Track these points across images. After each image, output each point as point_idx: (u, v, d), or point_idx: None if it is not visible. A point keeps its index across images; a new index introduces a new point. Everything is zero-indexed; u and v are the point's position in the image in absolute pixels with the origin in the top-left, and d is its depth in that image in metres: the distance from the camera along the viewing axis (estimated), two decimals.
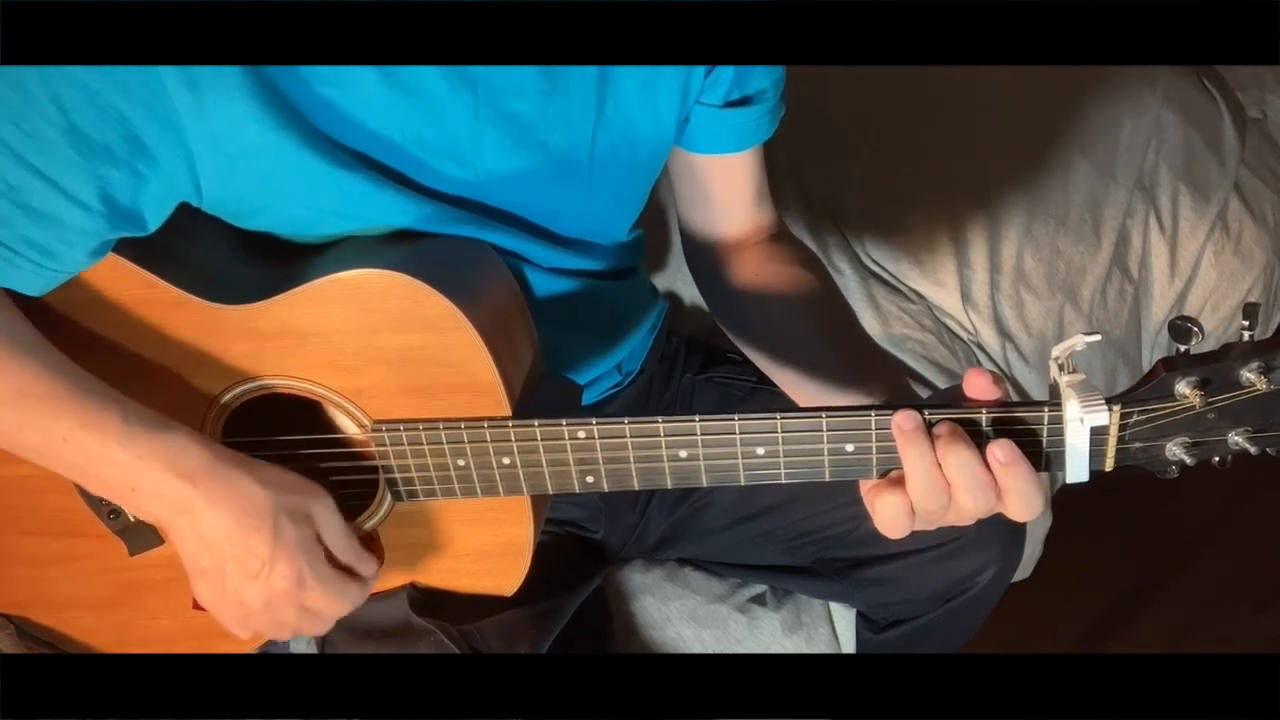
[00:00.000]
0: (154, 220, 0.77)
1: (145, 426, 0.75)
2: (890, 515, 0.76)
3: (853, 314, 1.00)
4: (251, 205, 0.80)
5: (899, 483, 0.75)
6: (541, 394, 0.87)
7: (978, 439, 0.75)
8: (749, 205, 1.01)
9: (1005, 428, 0.75)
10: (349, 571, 0.80)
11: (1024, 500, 0.74)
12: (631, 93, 0.87)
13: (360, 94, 0.76)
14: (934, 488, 0.74)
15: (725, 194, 1.00)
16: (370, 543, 0.87)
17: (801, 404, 0.91)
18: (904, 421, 0.74)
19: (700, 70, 0.90)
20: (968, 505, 0.74)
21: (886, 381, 0.85)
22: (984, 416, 0.75)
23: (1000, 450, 0.73)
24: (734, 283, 1.00)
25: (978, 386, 0.75)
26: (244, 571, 0.75)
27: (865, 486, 0.80)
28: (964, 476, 0.73)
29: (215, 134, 0.73)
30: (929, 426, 0.74)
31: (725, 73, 0.91)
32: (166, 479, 0.74)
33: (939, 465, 0.73)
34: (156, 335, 0.81)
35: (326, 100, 0.76)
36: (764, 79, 0.95)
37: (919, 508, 0.75)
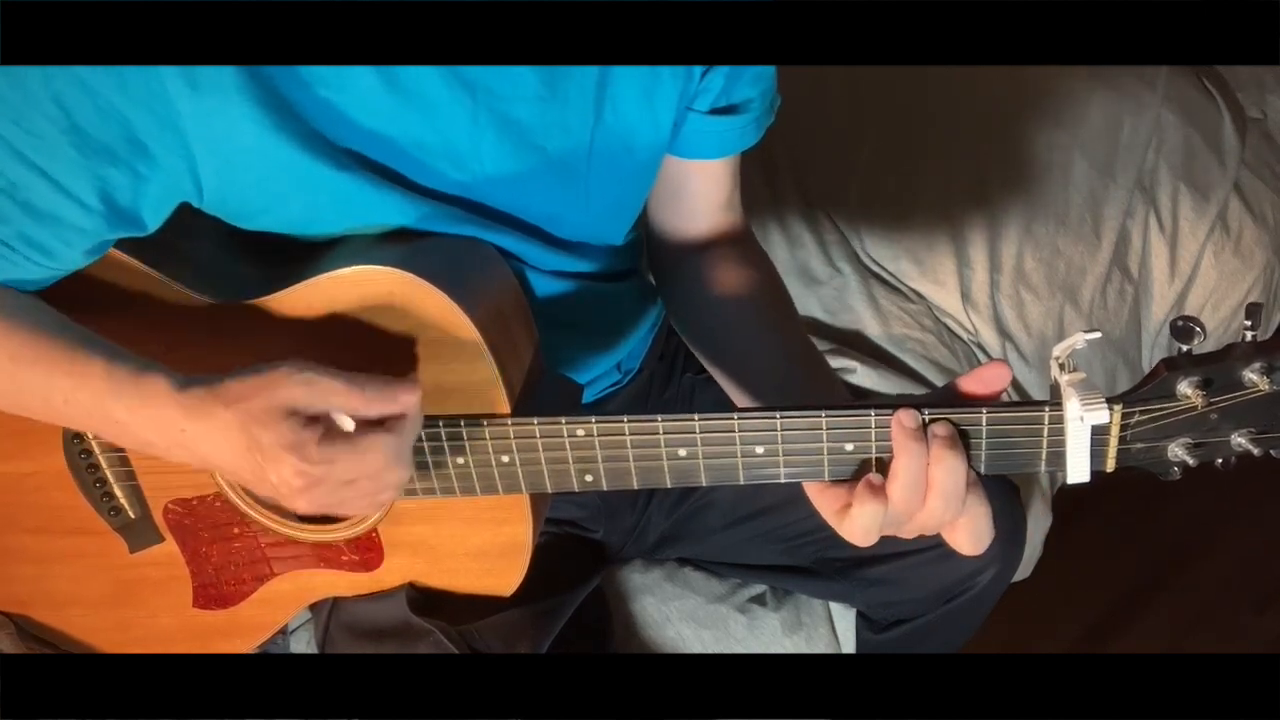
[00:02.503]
0: (153, 221, 0.77)
1: (129, 378, 0.74)
2: (868, 525, 0.75)
3: (798, 324, 1.01)
4: (252, 206, 0.79)
5: (879, 490, 0.74)
6: (541, 392, 0.87)
7: (976, 441, 0.75)
8: (717, 209, 1.02)
9: (1005, 427, 0.75)
10: (379, 421, 0.75)
11: (978, 527, 0.75)
12: (630, 99, 0.87)
13: (359, 96, 0.76)
14: (918, 489, 0.74)
15: (696, 196, 1.01)
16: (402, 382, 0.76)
17: (739, 403, 0.93)
18: (907, 420, 0.74)
19: (696, 75, 0.90)
20: (937, 511, 0.74)
21: (816, 388, 0.87)
22: (984, 416, 0.74)
23: (941, 427, 0.74)
24: (685, 281, 1.02)
25: (982, 382, 0.75)
26: (267, 487, 0.75)
27: (832, 504, 0.77)
28: (949, 483, 0.73)
29: (215, 135, 0.73)
30: (927, 426, 0.74)
31: (716, 79, 0.92)
32: (162, 429, 0.74)
33: (927, 466, 0.73)
34: (156, 331, 0.81)
35: (326, 102, 0.76)
36: (752, 88, 0.95)
37: (895, 509, 0.74)
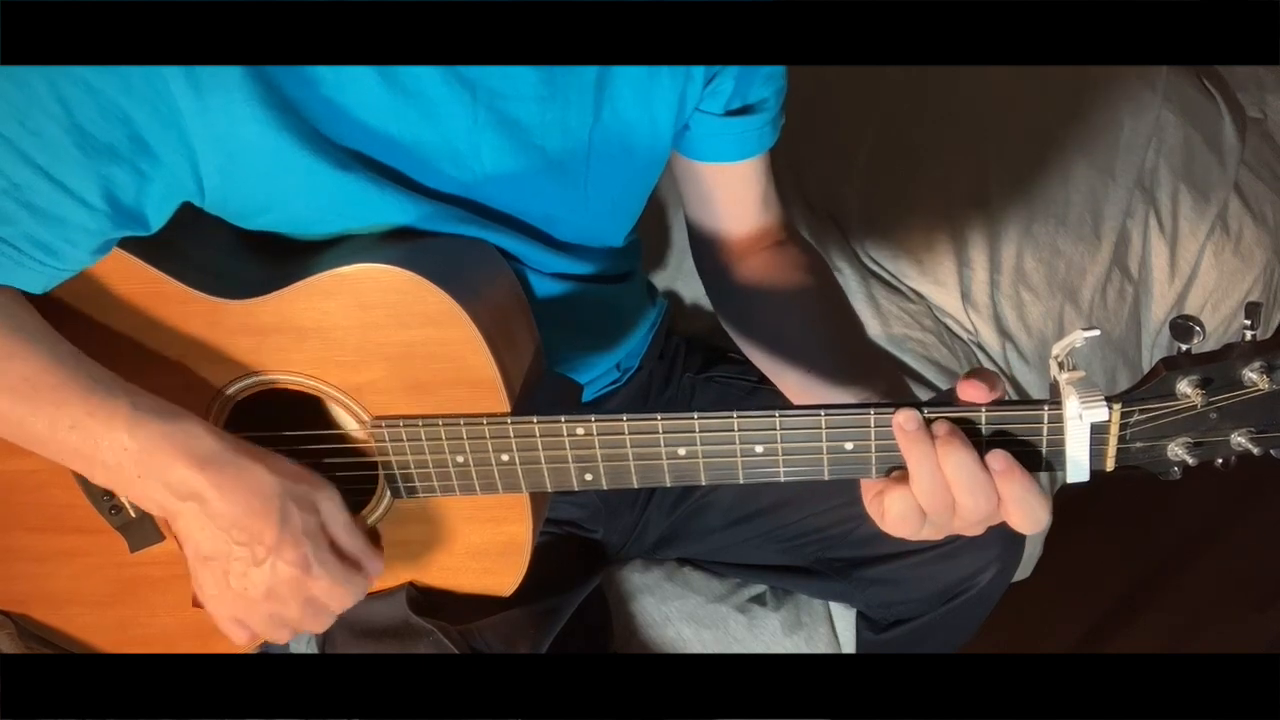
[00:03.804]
0: (157, 220, 0.77)
1: (154, 414, 0.75)
2: (901, 513, 0.75)
3: (856, 320, 1.01)
4: (253, 205, 0.80)
5: (905, 481, 0.75)
6: (541, 392, 0.87)
7: (977, 439, 0.75)
8: (754, 210, 1.02)
9: (1005, 426, 0.75)
10: (354, 564, 0.80)
11: (1025, 509, 0.74)
12: (628, 99, 0.87)
13: (360, 95, 0.76)
14: (938, 488, 0.74)
15: (730, 200, 1.01)
16: (374, 539, 0.86)
17: (799, 403, 0.91)
18: (905, 421, 0.74)
19: (699, 78, 0.90)
20: (968, 505, 0.73)
21: (885, 389, 0.85)
22: (983, 415, 0.75)
23: (995, 460, 0.73)
24: (740, 286, 1.01)
25: (970, 395, 0.75)
26: (250, 558, 0.75)
27: (869, 491, 0.79)
28: (962, 477, 0.73)
29: (217, 134, 0.73)
30: (928, 425, 0.74)
31: (726, 81, 0.92)
32: (174, 466, 0.74)
33: (939, 464, 0.73)
34: (159, 330, 0.81)
35: (327, 101, 0.76)
36: (765, 88, 0.95)
37: (926, 508, 0.75)
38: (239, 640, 0.81)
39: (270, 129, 0.74)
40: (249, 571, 0.76)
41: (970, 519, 0.75)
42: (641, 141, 0.90)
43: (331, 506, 0.78)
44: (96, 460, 0.76)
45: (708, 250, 1.05)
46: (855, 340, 0.96)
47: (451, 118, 0.80)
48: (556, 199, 0.90)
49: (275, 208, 0.80)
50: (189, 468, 0.74)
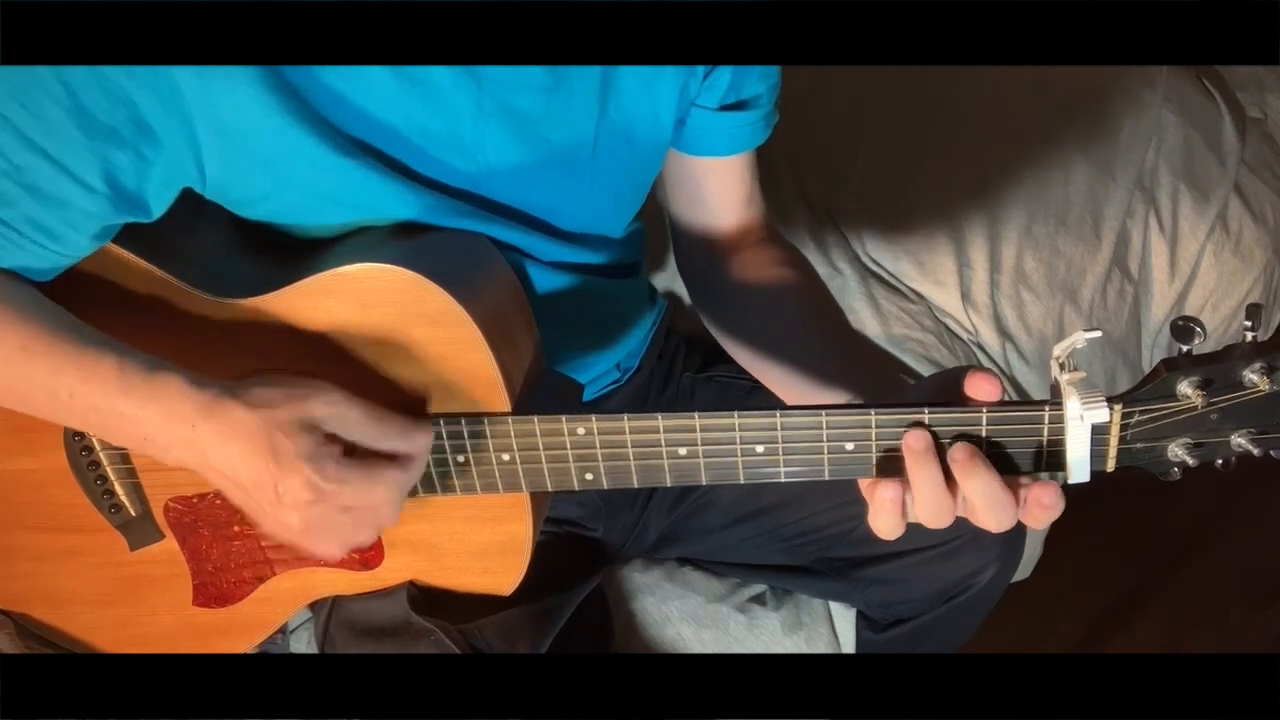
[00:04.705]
0: (158, 205, 0.77)
1: (140, 373, 0.74)
2: (888, 527, 0.76)
3: (840, 313, 1.01)
4: (254, 192, 0.79)
5: (896, 504, 0.75)
6: (542, 391, 0.87)
7: (977, 440, 0.75)
8: (739, 207, 1.02)
9: (1005, 426, 0.75)
10: (384, 457, 0.76)
11: (987, 502, 0.73)
12: (633, 92, 0.87)
13: (366, 83, 0.76)
14: (943, 508, 0.74)
15: (716, 195, 1.01)
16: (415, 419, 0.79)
17: (790, 403, 0.91)
18: (914, 442, 0.74)
19: (699, 72, 0.90)
20: (991, 524, 0.74)
21: (876, 378, 0.85)
22: (984, 416, 0.74)
23: (959, 451, 0.73)
24: (723, 283, 1.01)
25: (981, 390, 0.74)
26: (266, 499, 0.74)
27: (865, 483, 0.79)
28: (988, 499, 0.73)
29: (220, 118, 0.73)
30: (937, 440, 0.74)
31: (723, 76, 0.92)
32: (169, 425, 0.73)
33: (947, 485, 0.73)
34: (159, 328, 0.81)
35: (332, 88, 0.76)
36: (760, 84, 0.95)
37: (926, 522, 0.75)
38: (333, 555, 0.78)
39: (274, 113, 0.74)
40: (275, 510, 0.74)
41: (990, 529, 0.75)
42: (644, 134, 0.91)
43: (330, 411, 0.74)
44: (103, 427, 0.76)
45: (691, 246, 1.05)
46: (840, 331, 0.96)
47: (457, 107, 0.80)
48: (560, 190, 0.90)
49: (276, 195, 0.80)
50: (182, 425, 0.73)
